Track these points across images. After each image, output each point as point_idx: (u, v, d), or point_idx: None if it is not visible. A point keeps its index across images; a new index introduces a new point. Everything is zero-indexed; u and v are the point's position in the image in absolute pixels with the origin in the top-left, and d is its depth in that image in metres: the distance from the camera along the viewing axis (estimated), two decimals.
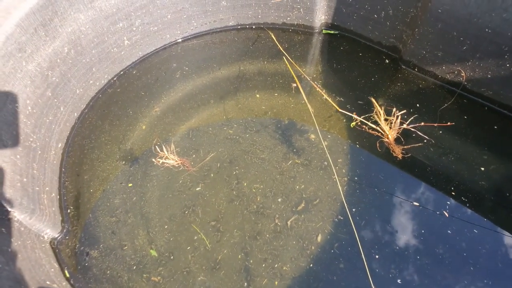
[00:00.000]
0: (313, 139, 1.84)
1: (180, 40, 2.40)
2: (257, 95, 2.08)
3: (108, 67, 2.09)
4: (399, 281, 1.40)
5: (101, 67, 2.04)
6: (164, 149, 1.67)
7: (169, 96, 2.11)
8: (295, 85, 2.08)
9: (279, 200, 1.65)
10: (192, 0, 2.22)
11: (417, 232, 1.53)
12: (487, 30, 1.67)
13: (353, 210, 1.60)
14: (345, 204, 1.59)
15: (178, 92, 2.13)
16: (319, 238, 1.52)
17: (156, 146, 1.77)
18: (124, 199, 1.68)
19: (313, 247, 1.50)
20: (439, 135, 1.83)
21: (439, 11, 1.78)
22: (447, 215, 1.56)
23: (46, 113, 1.69)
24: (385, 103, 1.97)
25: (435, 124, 1.83)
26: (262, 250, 1.51)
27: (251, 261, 1.48)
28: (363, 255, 1.44)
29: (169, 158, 1.68)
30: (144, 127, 1.95)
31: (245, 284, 1.44)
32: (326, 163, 1.74)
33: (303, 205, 1.62)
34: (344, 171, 1.72)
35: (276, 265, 1.47)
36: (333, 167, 1.73)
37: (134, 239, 1.57)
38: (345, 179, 1.69)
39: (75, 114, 1.93)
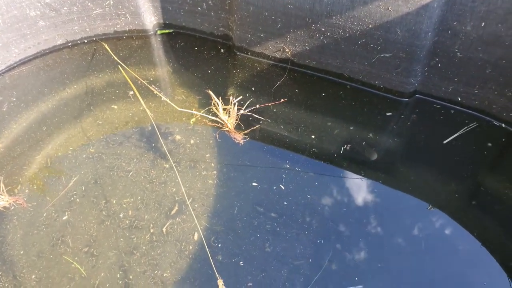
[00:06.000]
0: (178, 140, 1.88)
1: (4, 70, 2.17)
2: (114, 107, 2.03)
3: None
4: (241, 263, 1.52)
5: None
6: None
7: (11, 129, 1.93)
8: (132, 92, 2.07)
9: (152, 209, 1.66)
10: (2, 25, 2.01)
11: (255, 210, 1.66)
12: (289, 6, 1.83)
13: (196, 205, 1.68)
14: (188, 203, 1.67)
15: (22, 123, 1.96)
16: (195, 237, 1.59)
17: None
18: None
19: (190, 247, 1.56)
20: (274, 113, 2.00)
21: None
22: (283, 188, 1.74)
23: None
24: (225, 92, 2.08)
25: (270, 104, 2.00)
26: (140, 263, 1.52)
27: (131, 277, 1.49)
28: (206, 247, 1.54)
29: None
30: None
31: None
32: (194, 162, 1.79)
33: (176, 208, 1.67)
34: (212, 165, 1.79)
35: (156, 274, 1.50)
36: (175, 169, 1.78)
37: None
38: (214, 172, 1.76)
39: None
